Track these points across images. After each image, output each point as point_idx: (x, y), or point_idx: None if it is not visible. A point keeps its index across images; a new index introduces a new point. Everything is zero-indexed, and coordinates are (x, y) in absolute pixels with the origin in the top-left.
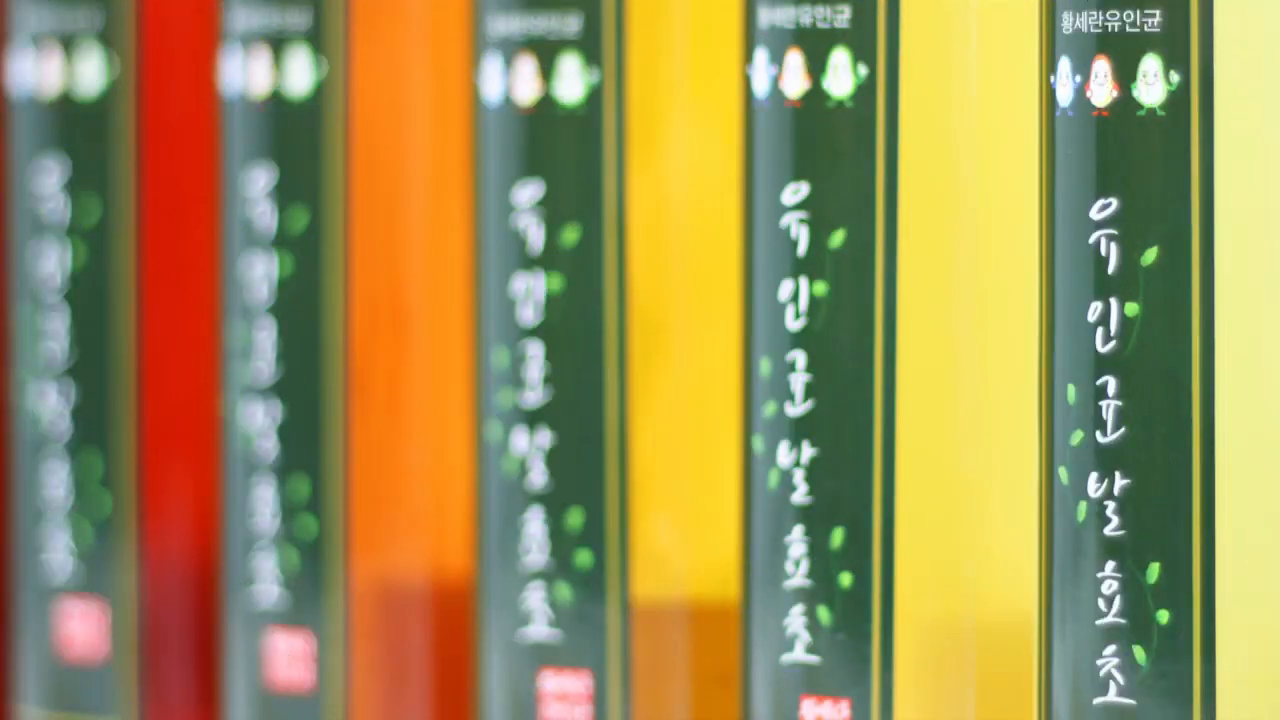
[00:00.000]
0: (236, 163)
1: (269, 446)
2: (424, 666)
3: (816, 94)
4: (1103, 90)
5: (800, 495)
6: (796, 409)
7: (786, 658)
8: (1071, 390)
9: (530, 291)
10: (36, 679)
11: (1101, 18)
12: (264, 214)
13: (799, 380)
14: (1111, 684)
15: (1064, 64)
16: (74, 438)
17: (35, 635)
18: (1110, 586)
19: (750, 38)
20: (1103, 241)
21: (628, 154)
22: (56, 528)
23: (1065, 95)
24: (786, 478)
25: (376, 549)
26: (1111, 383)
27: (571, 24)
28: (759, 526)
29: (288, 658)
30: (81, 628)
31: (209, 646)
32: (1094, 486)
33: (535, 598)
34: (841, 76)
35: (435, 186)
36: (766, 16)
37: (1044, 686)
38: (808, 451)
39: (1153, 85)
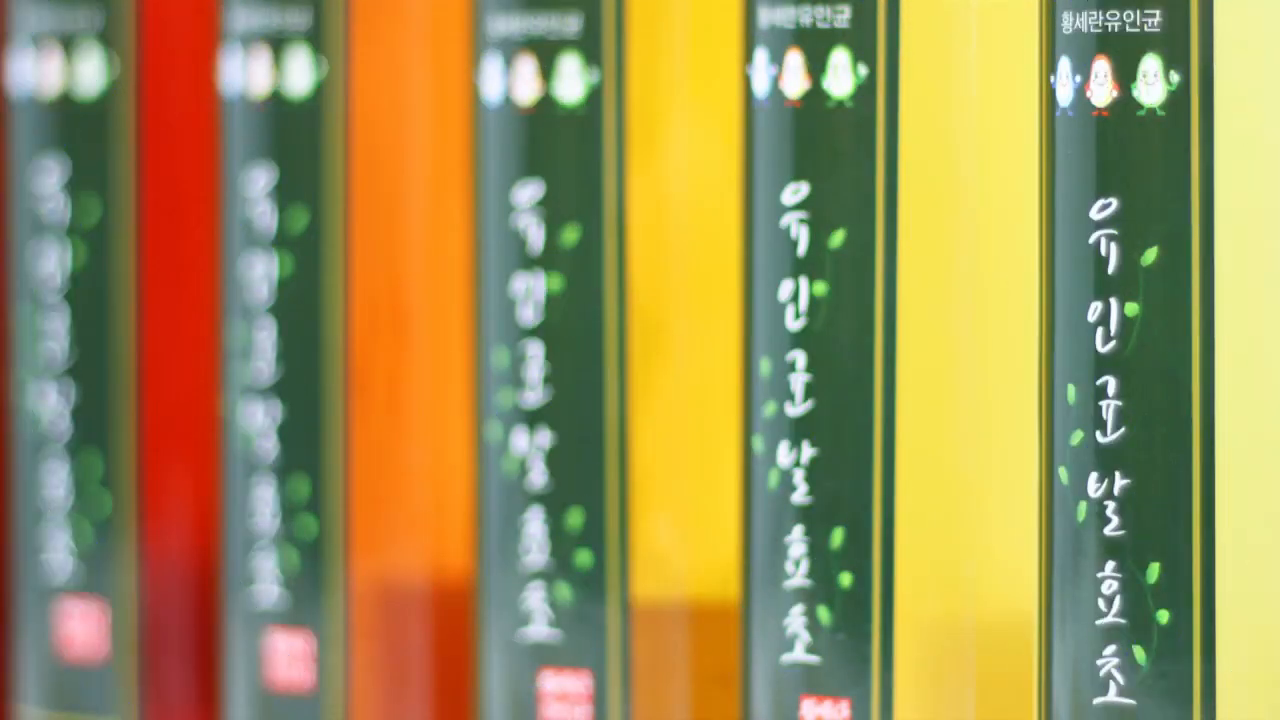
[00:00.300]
0: (236, 163)
1: (269, 446)
2: (424, 666)
3: (816, 94)
4: (1103, 90)
5: (800, 495)
6: (796, 409)
7: (786, 658)
8: (1071, 390)
9: (530, 291)
10: (36, 679)
11: (1101, 18)
12: (264, 214)
13: (799, 380)
14: (1111, 684)
15: (1064, 64)
16: (74, 438)
17: (35, 635)
18: (1110, 586)
19: (750, 38)
20: (1103, 241)
21: (628, 154)
22: (56, 528)
23: (1065, 95)
24: (786, 478)
25: (376, 549)
26: (1111, 383)
27: (571, 24)
28: (759, 526)
29: (288, 658)
30: (81, 628)
31: (209, 646)
32: (1094, 486)
33: (535, 598)
34: (841, 76)
35: (435, 186)
36: (766, 16)
37: (1044, 686)
38: (808, 451)
39: (1153, 85)
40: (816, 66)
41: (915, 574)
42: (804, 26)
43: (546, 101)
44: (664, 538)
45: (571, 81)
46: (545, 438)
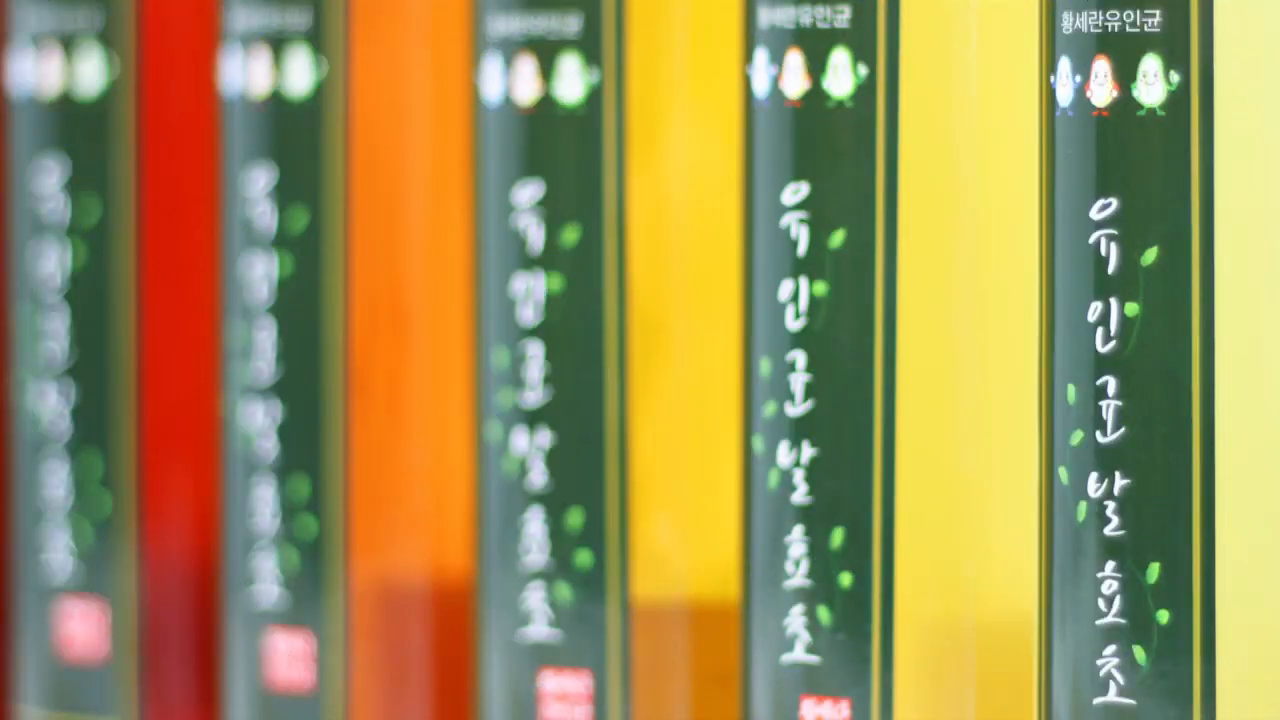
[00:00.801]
0: (236, 163)
1: (269, 446)
2: (424, 666)
3: (816, 94)
4: (1103, 90)
5: (800, 495)
6: (796, 409)
7: (786, 658)
8: (1071, 390)
9: (530, 291)
10: (36, 679)
11: (1101, 18)
12: (264, 214)
13: (799, 380)
14: (1111, 684)
15: (1064, 64)
16: (74, 438)
17: (35, 635)
18: (1110, 586)
19: (750, 38)
20: (1103, 241)
21: (628, 154)
22: (56, 528)
23: (1065, 95)
24: (786, 478)
25: (376, 549)
26: (1111, 383)
27: (571, 24)
28: (759, 526)
29: (288, 658)
30: (81, 628)
31: (209, 646)
32: (1094, 486)
33: (535, 598)
34: (841, 76)
35: (435, 186)
36: (766, 16)
37: (1044, 686)
38: (808, 451)
39: (1153, 85)
40: (816, 66)
41: (915, 574)
42: (804, 26)
43: (546, 101)
44: (664, 538)
45: (571, 81)
46: (545, 438)
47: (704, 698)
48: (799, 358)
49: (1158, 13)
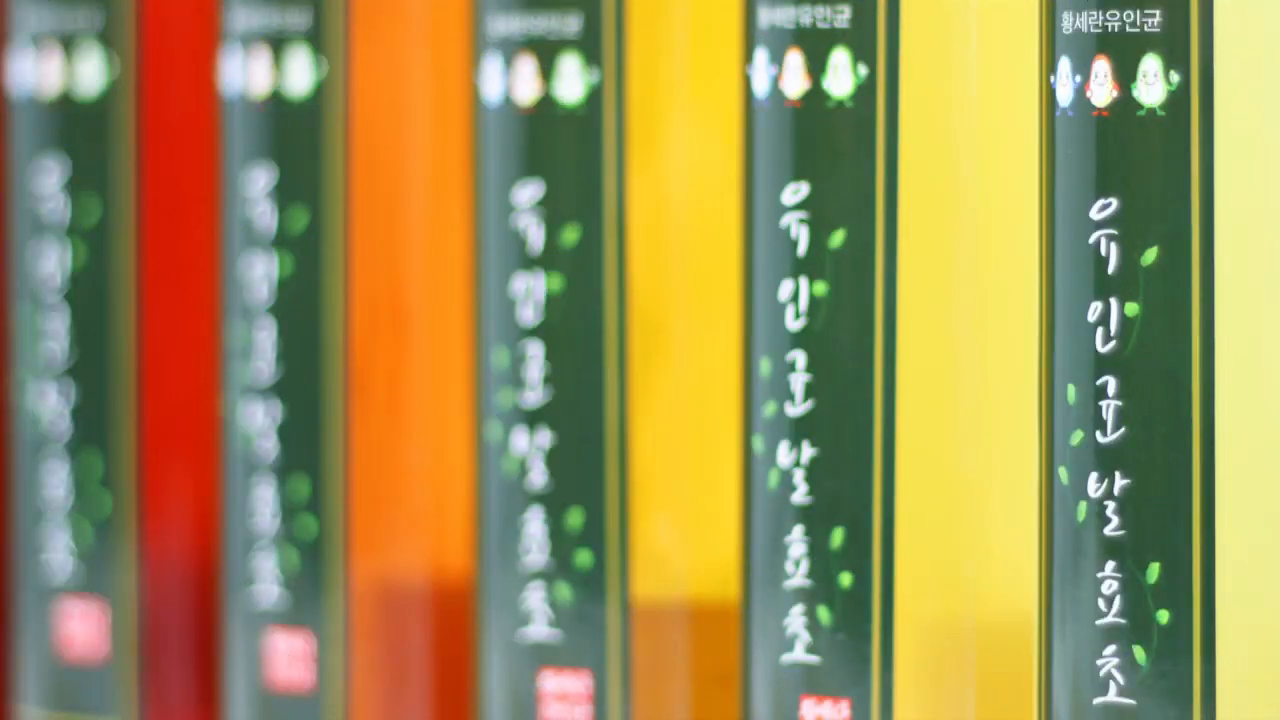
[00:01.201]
0: (236, 163)
1: (269, 446)
2: (424, 666)
3: (816, 94)
4: (1103, 90)
5: (800, 495)
6: (796, 409)
7: (786, 658)
8: (1071, 390)
9: (530, 291)
10: (36, 679)
11: (1101, 18)
12: (264, 214)
13: (799, 380)
14: (1111, 684)
15: (1064, 64)
16: (74, 438)
17: (35, 635)
18: (1110, 586)
19: (750, 38)
20: (1103, 241)
21: (628, 154)
22: (56, 528)
23: (1065, 95)
24: (786, 478)
25: (376, 549)
26: (1111, 383)
27: (571, 24)
28: (759, 526)
29: (288, 658)
30: (81, 628)
31: (209, 646)
32: (1094, 486)
33: (535, 598)
34: (841, 76)
35: (435, 186)
36: (766, 16)
37: (1044, 686)
38: (808, 451)
39: (1153, 85)
40: (816, 66)
41: (915, 574)
42: (804, 26)
43: (546, 101)
44: (664, 538)
45: (571, 81)
46: (545, 438)
47: (704, 698)
48: (799, 358)
49: (1158, 13)
